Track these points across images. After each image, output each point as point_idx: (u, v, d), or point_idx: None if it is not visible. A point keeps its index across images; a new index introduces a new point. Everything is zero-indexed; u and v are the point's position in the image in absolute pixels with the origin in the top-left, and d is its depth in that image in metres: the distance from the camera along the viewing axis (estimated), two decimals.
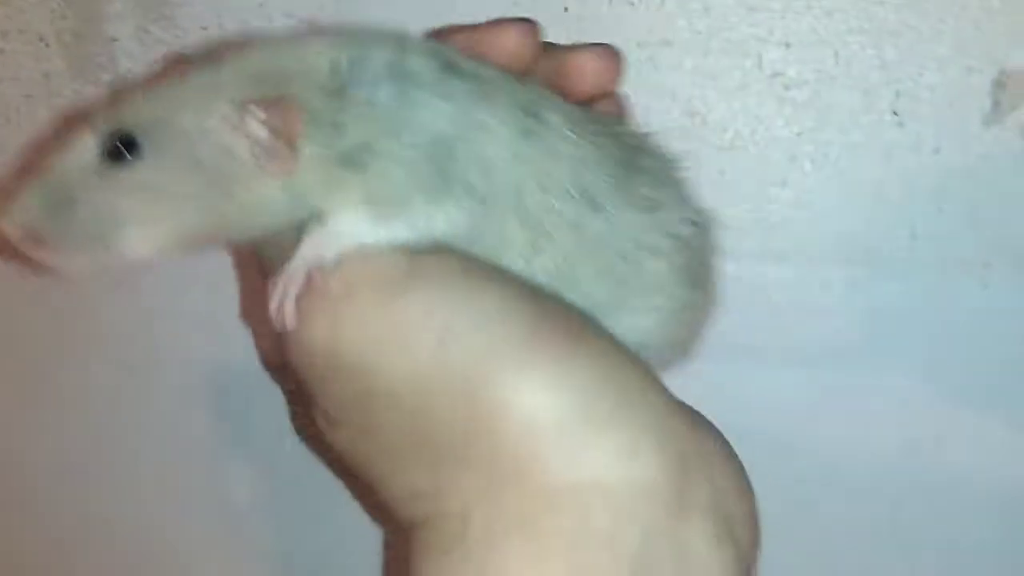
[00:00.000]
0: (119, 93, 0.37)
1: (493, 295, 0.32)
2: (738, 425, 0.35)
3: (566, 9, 0.50)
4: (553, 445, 0.30)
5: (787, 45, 0.48)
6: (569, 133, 0.34)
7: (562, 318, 0.32)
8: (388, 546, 0.60)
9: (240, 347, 0.58)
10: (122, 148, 0.32)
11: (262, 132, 0.32)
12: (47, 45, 0.56)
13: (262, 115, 0.32)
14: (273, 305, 0.32)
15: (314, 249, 0.32)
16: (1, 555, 0.64)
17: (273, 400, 0.59)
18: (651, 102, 0.50)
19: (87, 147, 0.33)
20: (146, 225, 0.33)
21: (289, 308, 0.32)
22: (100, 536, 0.62)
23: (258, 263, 0.39)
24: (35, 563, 0.64)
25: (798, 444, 0.54)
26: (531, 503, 0.30)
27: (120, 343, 0.60)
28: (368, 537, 0.60)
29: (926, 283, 0.50)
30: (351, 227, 0.32)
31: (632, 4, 0.49)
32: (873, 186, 0.49)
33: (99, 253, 0.33)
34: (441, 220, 0.32)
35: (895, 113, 0.48)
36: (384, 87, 0.32)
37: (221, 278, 0.58)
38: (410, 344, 0.31)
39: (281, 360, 0.35)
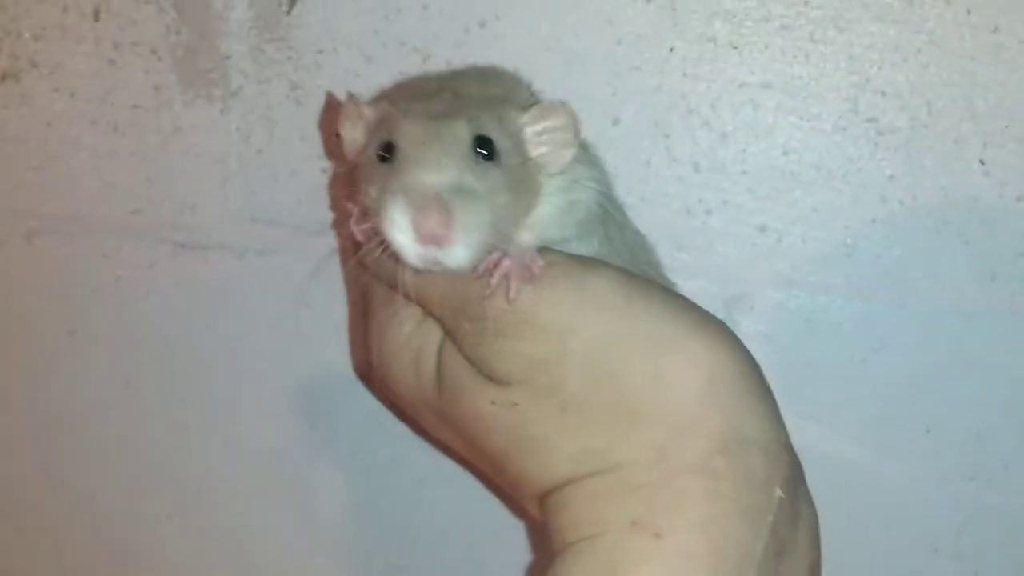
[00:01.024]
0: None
1: (653, 284, 0.40)
2: None
3: (672, 49, 0.53)
4: (726, 404, 0.36)
5: (883, 93, 0.51)
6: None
7: (694, 305, 0.40)
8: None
9: (332, 356, 0.60)
10: (484, 151, 0.38)
11: (555, 128, 0.40)
12: (159, 58, 0.58)
13: (561, 115, 0.40)
14: (496, 279, 0.37)
15: (524, 240, 0.39)
16: (77, 558, 0.65)
17: (362, 408, 0.60)
18: (750, 140, 0.53)
19: (467, 144, 0.38)
20: (504, 215, 0.38)
21: (512, 281, 0.37)
22: (187, 541, 0.64)
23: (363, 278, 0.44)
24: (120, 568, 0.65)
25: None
26: (706, 451, 0.36)
27: (209, 350, 0.61)
28: (454, 544, 0.61)
29: (1004, 325, 0.53)
30: (547, 234, 0.41)
31: (736, 47, 0.52)
32: (958, 229, 0.52)
33: (481, 245, 0.37)
34: (594, 242, 0.43)
35: (982, 162, 0.51)
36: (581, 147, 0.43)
37: (311, 289, 0.60)
38: (603, 304, 0.37)
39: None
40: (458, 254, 0.36)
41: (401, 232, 0.36)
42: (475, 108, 0.39)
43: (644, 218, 0.54)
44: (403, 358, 0.43)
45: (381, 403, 0.60)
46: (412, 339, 0.42)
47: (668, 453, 0.36)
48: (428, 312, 0.41)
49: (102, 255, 0.61)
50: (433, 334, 0.41)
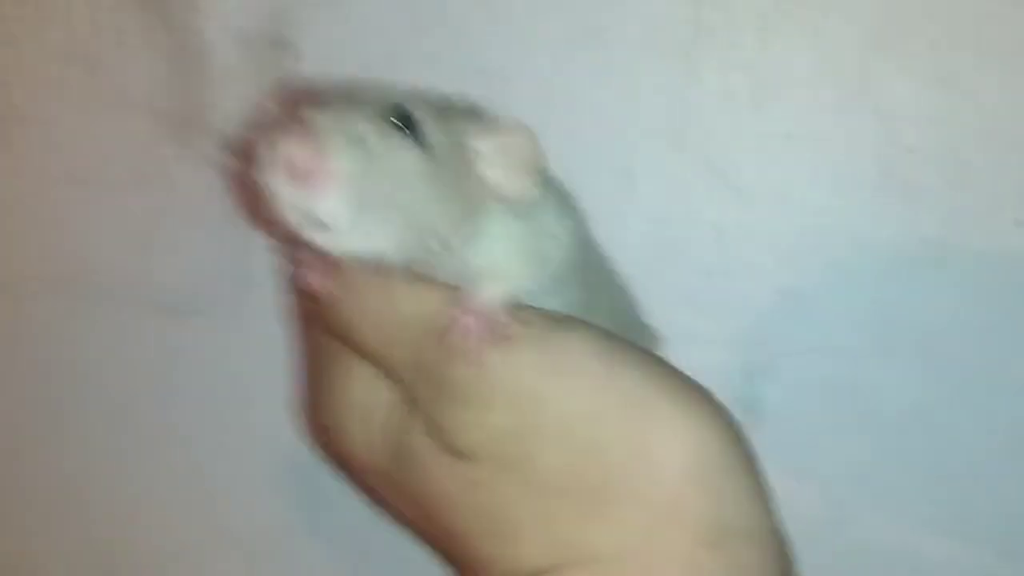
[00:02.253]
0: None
1: (634, 347, 0.36)
2: None
3: (689, 105, 0.50)
4: (713, 485, 0.33)
5: (913, 151, 0.49)
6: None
7: (678, 371, 0.36)
8: None
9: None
10: (402, 124, 0.33)
11: (513, 150, 0.35)
12: (152, 113, 0.56)
13: (518, 135, 0.35)
14: (459, 341, 0.34)
15: (491, 298, 0.35)
16: None
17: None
18: (771, 199, 0.50)
19: (379, 108, 0.33)
20: (411, 204, 0.33)
21: (476, 343, 0.33)
22: None
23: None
24: None
25: None
26: (690, 542, 0.32)
27: (202, 421, 0.59)
28: None
29: None
30: (516, 287, 0.36)
31: (758, 104, 0.50)
32: (995, 291, 0.49)
33: (365, 218, 0.32)
34: (571, 292, 0.39)
35: (1018, 222, 0.48)
36: (555, 192, 0.39)
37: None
38: (579, 370, 0.34)
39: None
40: (332, 203, 0.30)
41: (267, 170, 0.31)
42: (411, 96, 0.35)
43: (660, 281, 0.51)
44: (355, 420, 0.38)
45: (334, 470, 0.56)
46: (366, 399, 0.38)
47: (649, 543, 0.33)
48: (383, 370, 0.37)
49: (90, 320, 0.58)
50: (388, 393, 0.37)
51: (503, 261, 0.36)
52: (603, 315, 0.39)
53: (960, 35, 0.47)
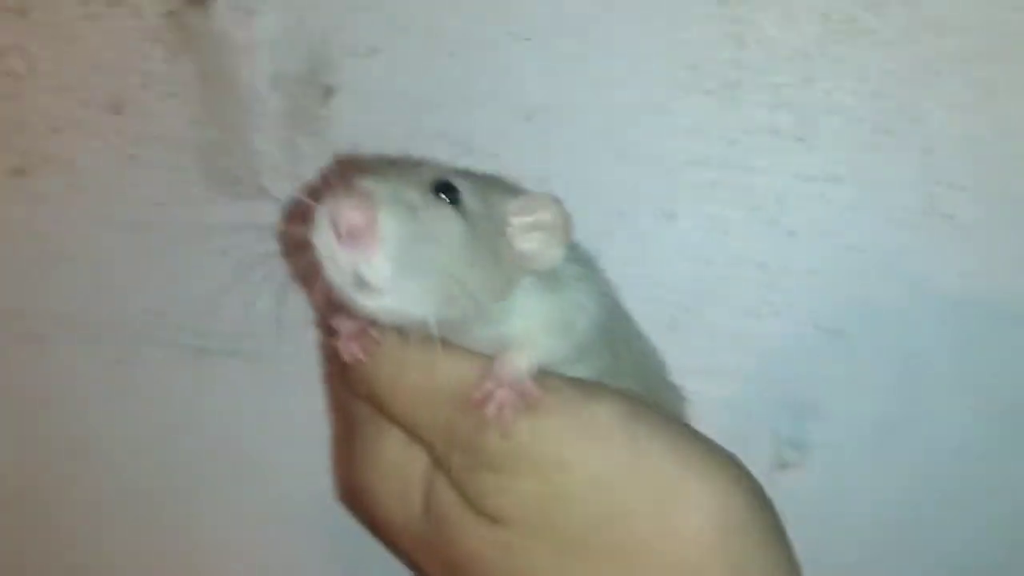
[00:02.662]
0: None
1: (658, 413, 0.37)
2: None
3: (732, 142, 0.50)
4: (737, 555, 0.34)
5: (961, 188, 0.48)
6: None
7: (704, 438, 0.37)
8: None
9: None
10: (447, 195, 0.34)
11: (544, 223, 0.37)
12: (184, 153, 0.55)
13: (551, 209, 0.36)
14: (490, 410, 0.34)
15: (519, 367, 0.36)
16: None
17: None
18: (816, 237, 0.50)
19: (424, 179, 0.34)
20: (452, 271, 0.34)
21: (508, 413, 0.34)
22: None
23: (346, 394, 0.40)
24: None
25: None
26: None
27: (228, 463, 0.57)
28: None
29: None
30: (545, 357, 0.37)
31: (802, 140, 0.49)
32: None
33: (416, 281, 0.33)
34: (597, 359, 0.40)
35: None
36: (581, 262, 0.40)
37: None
38: (606, 438, 0.34)
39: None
40: (379, 264, 0.32)
41: (320, 231, 0.32)
42: (450, 170, 0.36)
43: (704, 320, 0.50)
44: (387, 483, 0.39)
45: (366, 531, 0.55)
46: (398, 462, 0.39)
47: None
48: (415, 437, 0.38)
49: (116, 361, 0.57)
50: (421, 458, 0.38)
51: (533, 332, 0.37)
52: (629, 379, 0.40)
53: (1008, 70, 0.47)
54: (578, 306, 0.38)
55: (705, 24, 0.49)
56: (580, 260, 0.40)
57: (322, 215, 0.32)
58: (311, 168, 0.54)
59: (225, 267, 0.55)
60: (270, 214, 0.54)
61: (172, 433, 0.57)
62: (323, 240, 0.32)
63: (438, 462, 0.37)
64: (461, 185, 0.35)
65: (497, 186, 0.38)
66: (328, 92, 0.52)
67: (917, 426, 0.51)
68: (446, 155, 0.51)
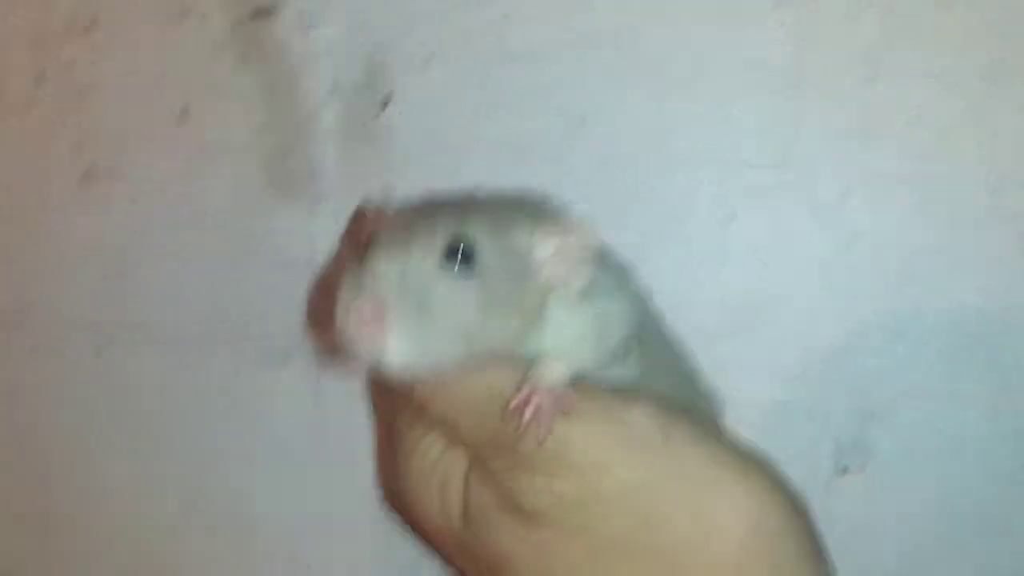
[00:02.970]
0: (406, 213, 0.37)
1: (693, 418, 0.37)
2: None
3: (792, 142, 0.49)
4: (772, 556, 0.34)
5: None
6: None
7: (739, 444, 0.37)
8: None
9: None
10: (460, 256, 0.35)
11: (571, 248, 0.37)
12: (246, 161, 0.56)
13: (576, 233, 0.36)
14: (528, 416, 0.35)
15: (556, 375, 0.37)
16: None
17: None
18: (882, 240, 0.49)
19: (435, 247, 0.35)
20: (467, 335, 0.35)
21: (545, 418, 0.35)
22: None
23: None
24: None
25: None
26: None
27: (290, 468, 0.58)
28: None
29: None
30: (581, 365, 0.38)
31: (863, 140, 0.49)
32: None
33: (428, 350, 0.34)
34: (633, 365, 0.40)
35: None
36: (613, 270, 0.40)
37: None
38: (641, 442, 0.35)
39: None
40: (392, 349, 0.33)
41: (341, 313, 0.34)
42: (469, 214, 0.37)
43: (766, 325, 0.50)
44: (428, 486, 0.40)
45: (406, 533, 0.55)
46: (438, 466, 0.40)
47: None
48: (455, 440, 0.39)
49: (178, 367, 0.58)
50: (461, 461, 0.39)
51: (568, 343, 0.38)
52: (664, 384, 0.41)
53: None
54: (610, 316, 0.39)
55: (764, 25, 0.48)
56: (612, 270, 0.40)
57: (340, 300, 0.34)
58: (369, 175, 0.54)
59: (286, 274, 0.56)
60: (329, 222, 0.55)
61: (236, 436, 0.58)
62: (343, 321, 0.34)
63: (478, 464, 0.38)
64: (477, 234, 0.36)
65: (520, 213, 0.38)
66: (385, 100, 0.53)
67: (987, 431, 0.50)
68: (502, 162, 0.52)
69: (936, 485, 0.50)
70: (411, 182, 0.53)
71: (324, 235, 0.56)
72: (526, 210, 0.39)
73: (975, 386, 0.49)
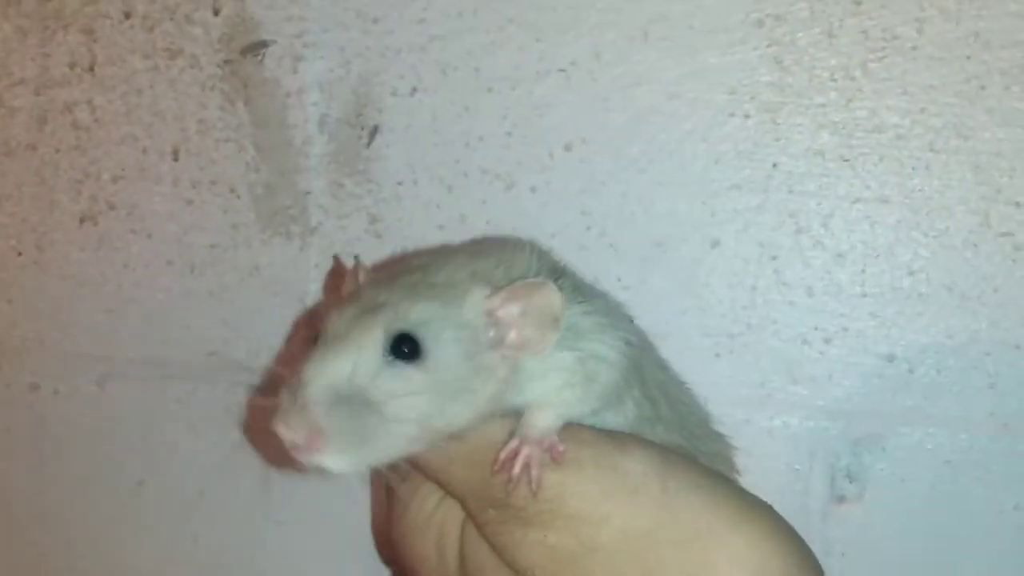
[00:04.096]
0: (353, 292, 0.37)
1: (693, 464, 0.36)
2: None
3: (775, 165, 0.49)
4: None
5: (1017, 204, 0.46)
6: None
7: (739, 489, 0.36)
8: None
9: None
10: (406, 348, 0.34)
11: (534, 312, 0.35)
12: (238, 196, 0.56)
13: (536, 295, 0.35)
14: (516, 469, 0.34)
15: (544, 424, 0.35)
16: None
17: None
18: (868, 260, 0.48)
19: (374, 345, 0.34)
20: (419, 427, 0.34)
21: (535, 470, 0.34)
22: None
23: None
24: None
25: None
26: None
27: (284, 503, 0.58)
28: None
29: None
30: (570, 412, 0.36)
31: (847, 160, 0.48)
32: None
33: (373, 452, 0.34)
34: (629, 408, 0.39)
35: None
36: (599, 313, 0.38)
37: None
38: (636, 491, 0.34)
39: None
40: (330, 462, 0.33)
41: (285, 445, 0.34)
42: (415, 297, 0.35)
43: (752, 348, 0.49)
44: (424, 537, 0.39)
45: None
46: (434, 518, 0.39)
47: None
48: (450, 494, 0.38)
49: (175, 400, 0.58)
50: (456, 513, 0.38)
51: (553, 392, 0.36)
52: (666, 428, 0.39)
53: None
54: (598, 358, 0.37)
55: (743, 47, 0.48)
56: (599, 311, 0.38)
57: (276, 420, 0.34)
58: (359, 207, 0.55)
59: (278, 306, 0.56)
60: (321, 251, 0.55)
61: (229, 470, 0.58)
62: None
63: (472, 518, 0.37)
64: (422, 324, 0.35)
65: (474, 279, 0.37)
66: (372, 132, 0.53)
67: (993, 460, 0.48)
68: (488, 190, 0.52)
69: (931, 511, 0.48)
70: (399, 212, 0.54)
71: (316, 267, 0.56)
72: (488, 269, 0.38)
73: (969, 409, 0.47)
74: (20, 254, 0.60)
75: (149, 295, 0.58)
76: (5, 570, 0.61)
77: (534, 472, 0.34)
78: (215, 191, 0.57)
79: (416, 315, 0.35)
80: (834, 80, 0.48)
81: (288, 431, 0.33)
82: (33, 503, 0.61)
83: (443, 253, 0.39)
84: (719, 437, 0.44)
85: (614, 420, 0.38)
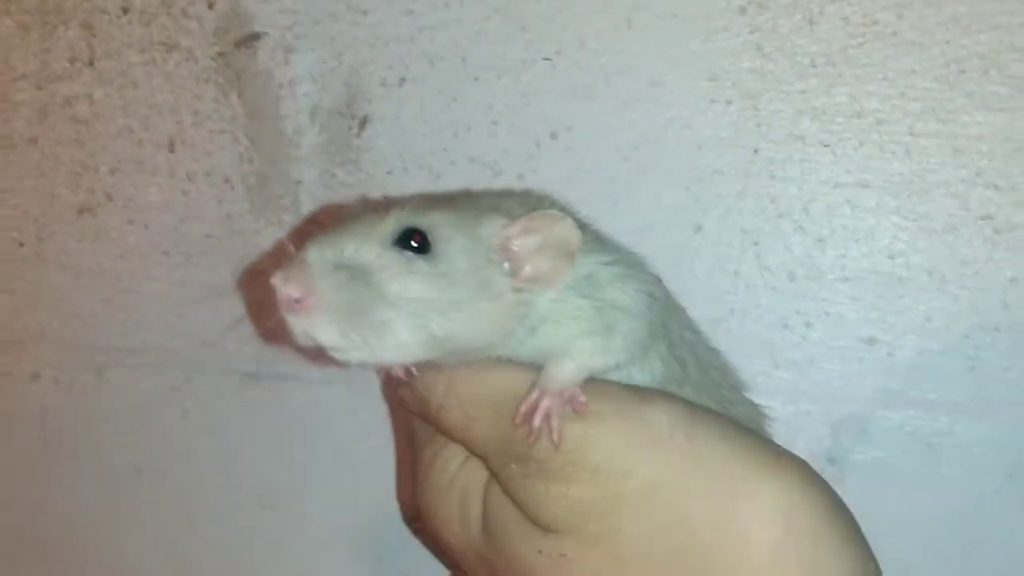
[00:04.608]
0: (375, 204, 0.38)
1: (719, 417, 0.35)
2: None
3: (756, 151, 0.49)
4: (808, 556, 0.32)
5: (997, 187, 0.46)
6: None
7: (767, 441, 0.35)
8: None
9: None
10: (414, 243, 0.34)
11: (551, 243, 0.35)
12: (232, 187, 0.57)
13: (552, 227, 0.35)
14: (537, 420, 0.34)
15: (565, 376, 0.35)
16: None
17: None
18: (849, 245, 0.48)
19: (382, 232, 0.34)
20: (416, 318, 0.33)
21: (555, 422, 0.34)
22: None
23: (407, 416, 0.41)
24: None
25: None
26: None
27: (276, 486, 0.58)
28: None
29: None
30: (590, 363, 0.36)
31: (827, 145, 0.48)
32: None
33: (365, 334, 0.33)
34: (655, 365, 0.38)
35: None
36: (620, 264, 0.38)
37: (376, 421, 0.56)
38: (661, 442, 0.33)
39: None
40: (322, 327, 0.33)
41: (279, 304, 0.33)
42: (432, 207, 0.36)
43: (735, 333, 0.49)
44: (448, 499, 0.39)
45: (428, 550, 0.55)
46: (457, 479, 0.39)
47: None
48: (472, 452, 0.38)
49: (170, 388, 0.59)
50: (479, 473, 0.38)
51: (572, 339, 0.36)
52: (695, 389, 0.38)
53: None
54: (617, 307, 0.37)
55: (725, 35, 0.49)
56: (621, 262, 0.38)
57: (273, 283, 0.33)
58: (350, 196, 0.55)
59: (271, 294, 0.57)
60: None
61: (221, 457, 0.59)
62: (280, 310, 0.33)
63: (495, 475, 0.36)
64: (435, 227, 0.35)
65: (500, 208, 0.37)
66: (363, 123, 0.54)
67: (973, 443, 0.48)
68: (476, 178, 0.53)
69: (912, 494, 0.48)
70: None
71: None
72: (509, 206, 0.38)
73: (950, 392, 0.48)
74: (22, 245, 0.61)
75: (145, 285, 0.59)
76: (5, 556, 0.63)
77: (555, 424, 0.34)
78: (210, 182, 0.58)
79: (429, 218, 0.35)
80: (815, 66, 0.48)
81: (284, 284, 0.33)
82: (32, 490, 0.62)
83: (465, 194, 0.40)
84: (750, 404, 0.43)
85: (640, 377, 0.38)
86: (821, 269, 0.49)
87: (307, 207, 0.56)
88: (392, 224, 0.35)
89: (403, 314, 0.33)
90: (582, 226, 0.37)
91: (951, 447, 0.48)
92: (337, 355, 0.34)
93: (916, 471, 0.48)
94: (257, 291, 0.53)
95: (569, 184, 0.52)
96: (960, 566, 0.48)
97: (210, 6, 0.56)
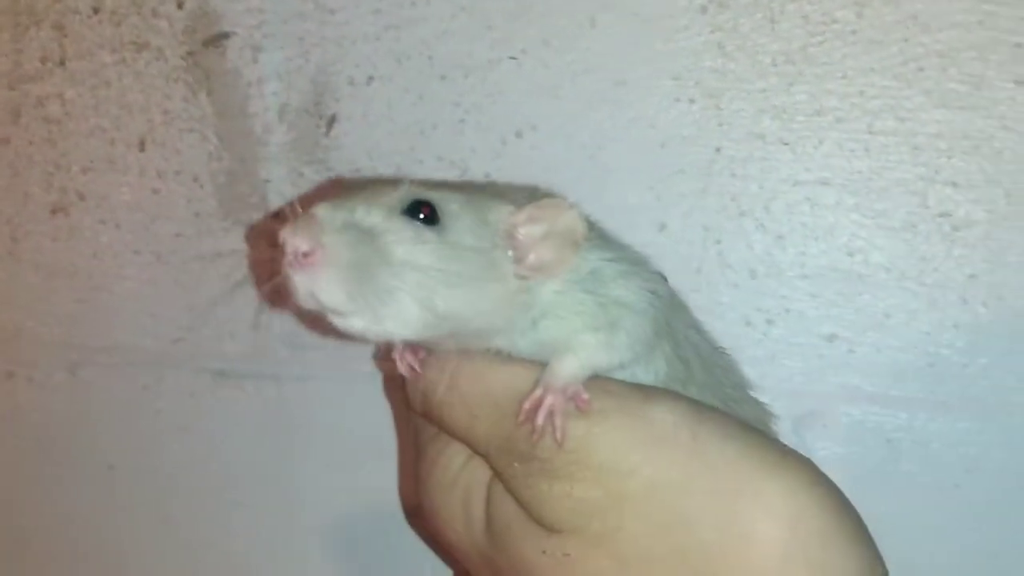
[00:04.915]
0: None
1: (724, 416, 0.35)
2: None
3: (718, 149, 0.50)
4: (815, 557, 0.31)
5: (954, 184, 0.47)
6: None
7: (773, 440, 0.35)
8: None
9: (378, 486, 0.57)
10: (423, 214, 0.34)
11: (556, 232, 0.35)
12: (201, 186, 0.57)
13: (558, 214, 0.35)
14: (540, 418, 0.34)
15: (569, 372, 0.35)
16: None
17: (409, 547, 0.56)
18: (809, 242, 0.49)
19: (392, 200, 0.34)
20: (421, 289, 0.33)
21: (558, 420, 0.33)
22: None
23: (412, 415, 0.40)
24: None
25: None
26: None
27: (249, 483, 0.59)
28: None
29: None
30: (594, 360, 0.36)
31: (787, 144, 0.49)
32: None
33: (369, 299, 0.33)
34: (660, 364, 0.38)
35: None
36: (624, 262, 0.38)
37: (355, 416, 0.57)
38: (665, 441, 0.33)
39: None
40: (327, 285, 0.32)
41: (283, 257, 0.33)
42: (449, 187, 0.36)
43: None
44: (451, 497, 0.39)
45: (431, 548, 0.55)
46: (460, 478, 0.38)
47: None
48: (475, 450, 0.37)
49: (142, 386, 0.59)
50: (482, 472, 0.38)
51: (574, 334, 0.36)
52: (699, 390, 0.38)
53: (995, 63, 0.45)
54: (621, 304, 0.36)
55: (687, 34, 0.49)
56: (625, 259, 0.38)
57: (280, 241, 0.33)
58: (318, 195, 0.56)
59: (240, 292, 0.57)
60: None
61: (194, 455, 0.59)
62: (285, 266, 0.33)
63: (498, 474, 0.36)
64: (444, 202, 0.35)
65: (501, 197, 0.37)
66: (331, 121, 0.54)
67: (932, 438, 0.49)
68: (443, 176, 0.53)
69: (873, 490, 0.48)
70: None
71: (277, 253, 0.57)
72: (517, 195, 0.38)
73: (909, 388, 0.48)
74: None
75: (117, 284, 0.59)
76: None
77: (558, 421, 0.33)
78: (179, 180, 0.58)
79: (440, 194, 0.35)
80: (775, 65, 0.48)
81: (293, 237, 0.32)
82: (7, 487, 0.62)
83: (471, 184, 0.40)
84: (757, 403, 0.43)
85: (644, 377, 0.37)
86: (781, 267, 0.49)
87: (275, 205, 0.56)
88: (403, 194, 0.35)
89: (408, 284, 0.33)
90: (588, 223, 0.37)
91: (911, 443, 0.48)
92: (338, 320, 0.33)
93: (876, 467, 0.49)
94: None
95: (534, 182, 0.52)
96: (918, 561, 0.48)
97: (179, 6, 0.57)
